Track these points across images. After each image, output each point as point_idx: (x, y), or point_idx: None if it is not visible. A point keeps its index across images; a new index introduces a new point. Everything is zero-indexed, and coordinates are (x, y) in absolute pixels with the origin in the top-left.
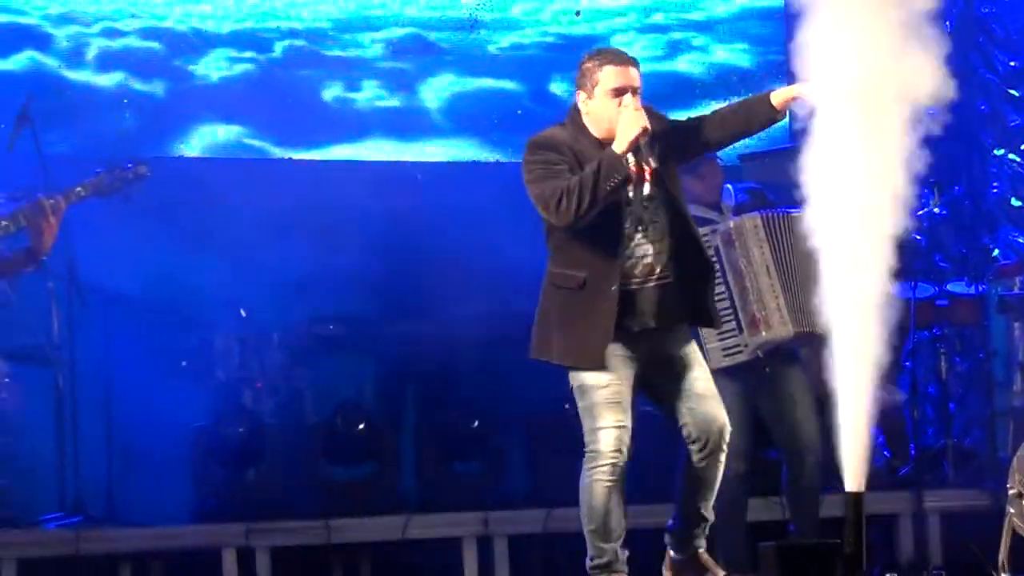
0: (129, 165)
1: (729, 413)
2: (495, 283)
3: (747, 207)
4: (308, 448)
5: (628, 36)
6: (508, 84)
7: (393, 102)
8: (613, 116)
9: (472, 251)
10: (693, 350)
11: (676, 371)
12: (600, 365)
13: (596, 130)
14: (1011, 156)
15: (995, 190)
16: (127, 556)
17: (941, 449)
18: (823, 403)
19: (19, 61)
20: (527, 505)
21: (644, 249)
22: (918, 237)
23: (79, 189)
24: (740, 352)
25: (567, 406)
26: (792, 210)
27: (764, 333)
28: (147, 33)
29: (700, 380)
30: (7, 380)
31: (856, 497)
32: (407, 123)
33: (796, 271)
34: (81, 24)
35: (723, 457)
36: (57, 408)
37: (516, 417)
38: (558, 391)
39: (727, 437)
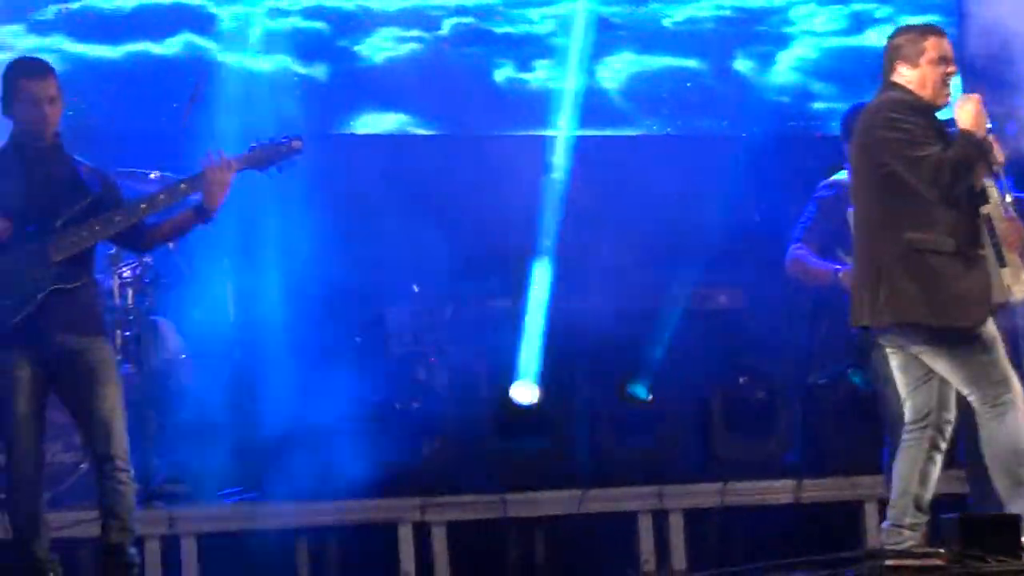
0: (283, 140)
1: None
2: (669, 255)
3: None
4: (483, 422)
5: (808, 8)
6: (689, 62)
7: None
8: (938, 81)
9: (644, 224)
10: None
11: None
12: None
13: (922, 95)
14: None
15: None
16: (303, 531)
17: None
18: None
19: (175, 44)
20: (703, 479)
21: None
22: None
23: (234, 163)
24: None
25: (742, 380)
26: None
27: None
28: (313, 12)
29: None
30: (184, 356)
31: None
32: (584, 105)
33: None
34: (246, 3)
35: None
36: (233, 384)
37: (691, 390)
38: (733, 364)
39: None
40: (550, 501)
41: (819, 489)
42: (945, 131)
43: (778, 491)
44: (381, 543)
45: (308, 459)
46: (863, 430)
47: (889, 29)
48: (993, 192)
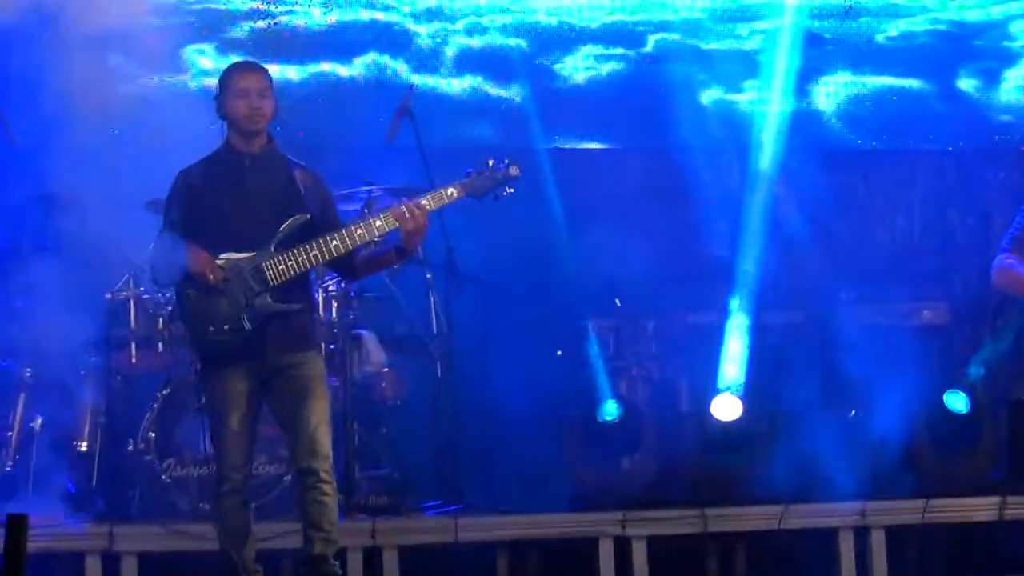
0: (501, 166)
1: None
2: (872, 270)
3: None
4: (683, 437)
5: None
6: (909, 82)
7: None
8: None
9: (845, 237)
10: None
11: None
12: None
13: None
14: None
15: None
16: (504, 544)
17: None
18: None
19: (360, 65)
20: (905, 495)
21: None
22: None
23: (452, 191)
24: None
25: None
26: None
27: None
28: (513, 29)
29: None
30: (387, 370)
31: None
32: (796, 130)
33: None
34: (446, 20)
35: None
36: (436, 397)
37: (893, 407)
38: (936, 381)
39: None
40: (751, 516)
41: None
42: None
43: (982, 508)
44: (581, 557)
45: (509, 472)
46: None
47: None
48: None
